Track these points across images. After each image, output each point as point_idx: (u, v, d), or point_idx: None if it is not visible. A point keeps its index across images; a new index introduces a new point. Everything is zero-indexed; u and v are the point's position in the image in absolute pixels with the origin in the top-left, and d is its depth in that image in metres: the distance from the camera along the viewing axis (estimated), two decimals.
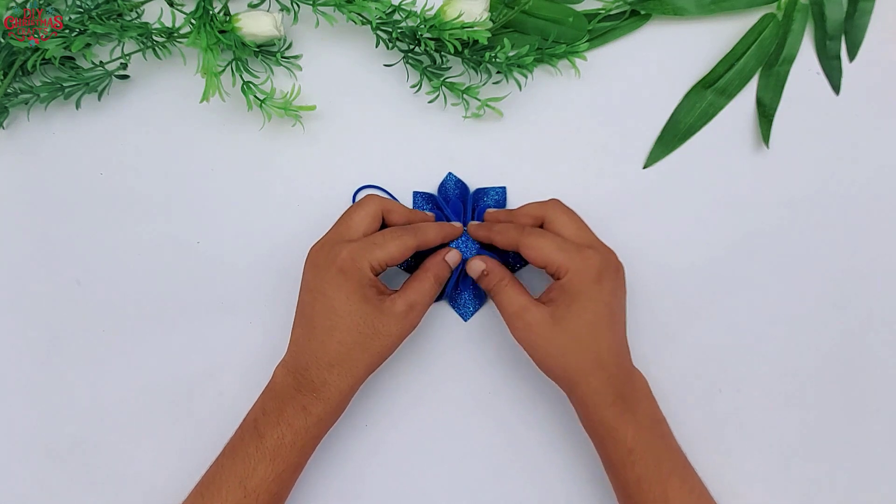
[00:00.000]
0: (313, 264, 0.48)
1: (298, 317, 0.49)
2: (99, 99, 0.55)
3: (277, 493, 0.47)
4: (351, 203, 0.55)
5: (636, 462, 0.46)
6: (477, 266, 0.50)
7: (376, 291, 0.47)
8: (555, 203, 0.50)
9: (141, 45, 0.53)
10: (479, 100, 0.53)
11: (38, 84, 0.54)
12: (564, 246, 0.46)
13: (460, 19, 0.50)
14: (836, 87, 0.56)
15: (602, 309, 0.46)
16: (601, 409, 0.46)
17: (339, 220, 0.50)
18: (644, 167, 0.55)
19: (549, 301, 0.47)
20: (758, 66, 0.55)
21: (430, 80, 0.54)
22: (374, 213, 0.49)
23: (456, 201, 0.54)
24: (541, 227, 0.49)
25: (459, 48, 0.51)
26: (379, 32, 0.53)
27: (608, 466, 0.48)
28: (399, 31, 0.53)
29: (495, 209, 0.53)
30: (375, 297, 0.47)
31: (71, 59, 0.55)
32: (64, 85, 0.53)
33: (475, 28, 0.50)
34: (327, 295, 0.46)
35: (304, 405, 0.47)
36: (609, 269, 0.46)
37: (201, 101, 0.50)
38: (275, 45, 0.55)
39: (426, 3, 0.53)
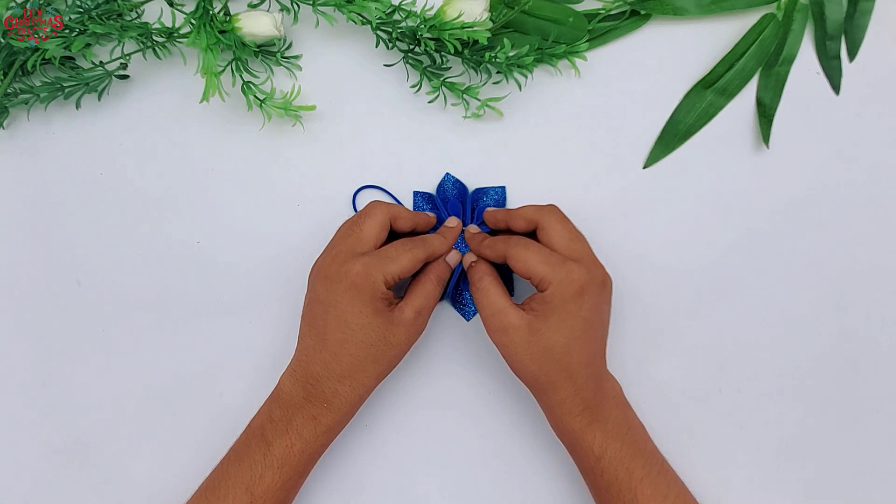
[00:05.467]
0: (324, 277, 0.47)
1: (307, 327, 0.48)
2: (99, 99, 0.55)
3: (284, 498, 0.47)
4: (351, 203, 0.55)
5: (605, 469, 0.46)
6: (468, 257, 0.52)
7: (387, 303, 0.47)
8: (552, 210, 0.49)
9: (141, 45, 0.53)
10: (479, 100, 0.53)
11: (38, 84, 0.54)
12: (549, 259, 0.46)
13: (460, 19, 0.50)
14: (836, 87, 0.56)
15: (579, 324, 0.46)
16: (568, 419, 0.47)
17: (346, 229, 0.49)
18: (644, 167, 0.55)
19: (529, 310, 0.47)
20: (758, 66, 0.55)
21: (430, 80, 0.54)
22: (382, 223, 0.49)
23: (455, 202, 0.54)
24: (535, 231, 0.49)
25: (459, 48, 0.51)
26: (379, 32, 0.53)
27: (581, 472, 0.49)
28: (399, 31, 0.53)
29: (494, 208, 0.53)
30: (385, 308, 0.47)
31: (71, 59, 0.55)
32: (64, 85, 0.53)
33: (475, 28, 0.50)
34: (340, 308, 0.46)
35: (314, 415, 0.47)
36: (592, 284, 0.46)
37: (201, 101, 0.50)
38: (275, 45, 0.55)
39: (426, 3, 0.53)
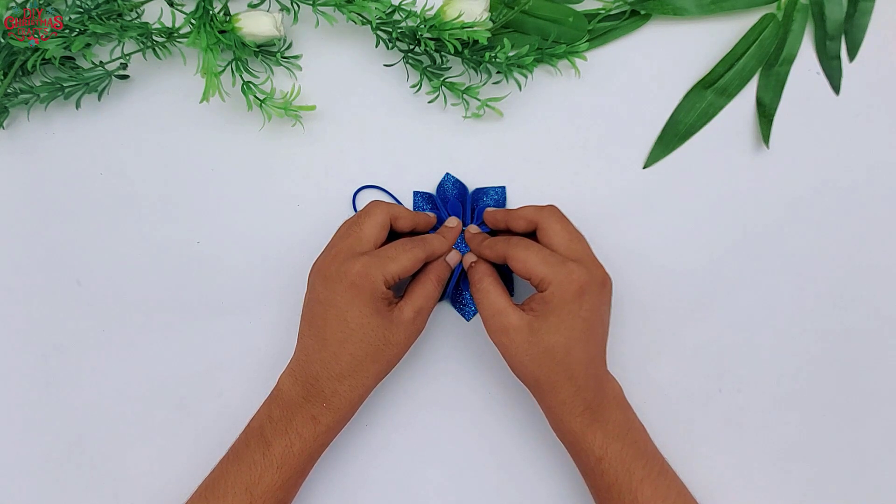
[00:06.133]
0: (324, 276, 0.47)
1: (307, 326, 0.48)
2: (99, 99, 0.55)
3: (283, 498, 0.47)
4: (351, 203, 0.55)
5: (605, 470, 0.46)
6: (468, 257, 0.52)
7: (386, 303, 0.47)
8: (551, 210, 0.49)
9: (141, 45, 0.53)
10: (479, 100, 0.53)
11: (38, 84, 0.54)
12: (549, 259, 0.46)
13: (460, 19, 0.50)
14: (836, 87, 0.56)
15: (579, 324, 0.46)
16: (569, 420, 0.47)
17: (346, 229, 0.49)
18: (644, 167, 0.55)
19: (529, 310, 0.47)
20: (758, 66, 0.55)
21: (430, 80, 0.54)
22: (382, 223, 0.49)
23: (455, 202, 0.54)
24: (534, 231, 0.49)
25: (459, 48, 0.51)
26: (379, 32, 0.53)
27: (581, 473, 0.49)
28: (399, 31, 0.53)
29: (494, 209, 0.53)
30: (385, 308, 0.47)
31: (71, 59, 0.55)
32: (64, 85, 0.53)
33: (475, 28, 0.50)
34: (339, 308, 0.46)
35: (313, 415, 0.47)
36: (592, 284, 0.46)
37: (201, 101, 0.50)
38: (275, 45, 0.55)
39: (426, 3, 0.53)
